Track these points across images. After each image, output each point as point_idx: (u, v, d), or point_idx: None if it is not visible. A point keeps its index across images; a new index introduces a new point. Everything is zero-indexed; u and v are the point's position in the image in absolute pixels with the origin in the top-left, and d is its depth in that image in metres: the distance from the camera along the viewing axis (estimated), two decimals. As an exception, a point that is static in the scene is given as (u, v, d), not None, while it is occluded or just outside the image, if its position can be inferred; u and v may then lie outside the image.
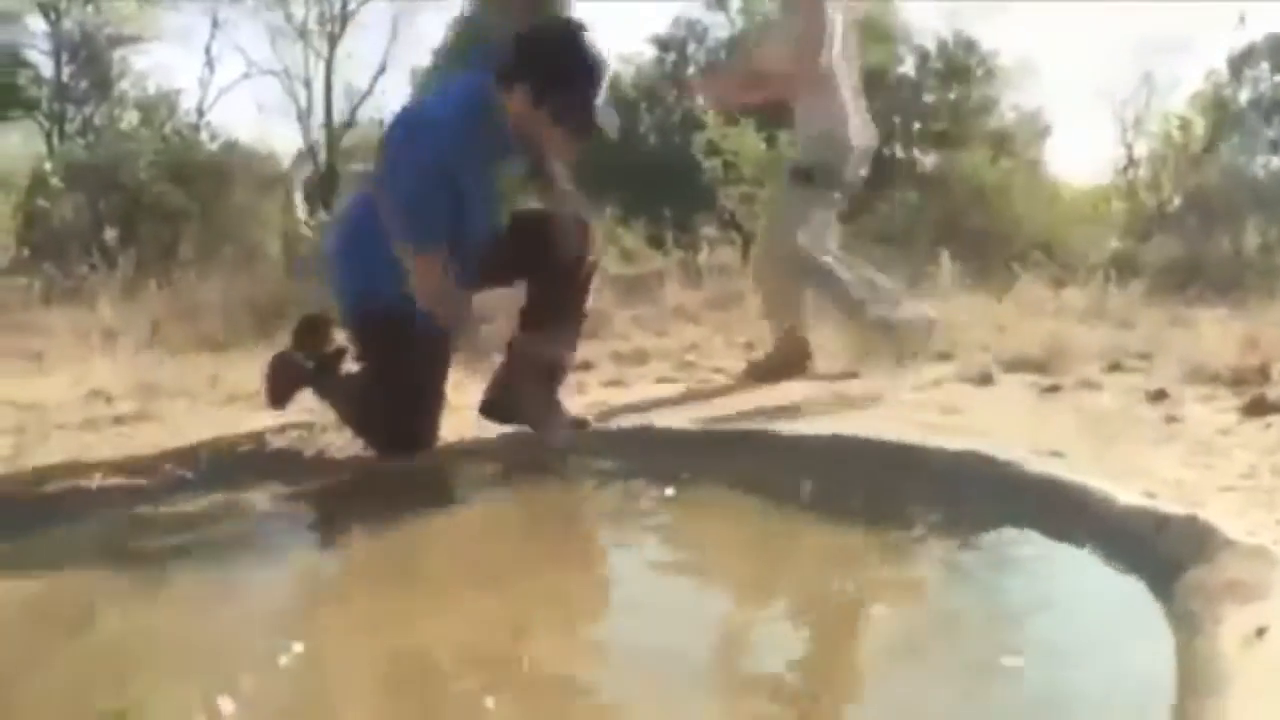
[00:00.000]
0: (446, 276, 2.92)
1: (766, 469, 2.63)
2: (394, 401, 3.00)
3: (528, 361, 3.15)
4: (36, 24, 22.81)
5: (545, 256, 3.10)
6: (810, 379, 4.35)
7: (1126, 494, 2.15)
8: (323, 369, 3.35)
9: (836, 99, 4.34)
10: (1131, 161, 24.35)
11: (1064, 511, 2.18)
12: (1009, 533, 2.21)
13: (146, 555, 2.27)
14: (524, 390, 3.13)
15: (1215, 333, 5.04)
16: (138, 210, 12.70)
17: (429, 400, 3.04)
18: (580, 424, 3.16)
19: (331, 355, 3.36)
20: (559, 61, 2.85)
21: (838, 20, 4.29)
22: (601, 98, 2.85)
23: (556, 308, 3.16)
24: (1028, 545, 2.16)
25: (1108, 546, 2.02)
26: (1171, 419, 3.39)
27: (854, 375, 4.33)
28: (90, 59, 22.85)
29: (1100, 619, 1.83)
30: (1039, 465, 2.44)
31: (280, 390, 3.40)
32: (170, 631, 1.85)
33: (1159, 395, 3.75)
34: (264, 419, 3.64)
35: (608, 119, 2.90)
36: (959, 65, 22.89)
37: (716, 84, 4.35)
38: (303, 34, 23.69)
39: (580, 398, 3.84)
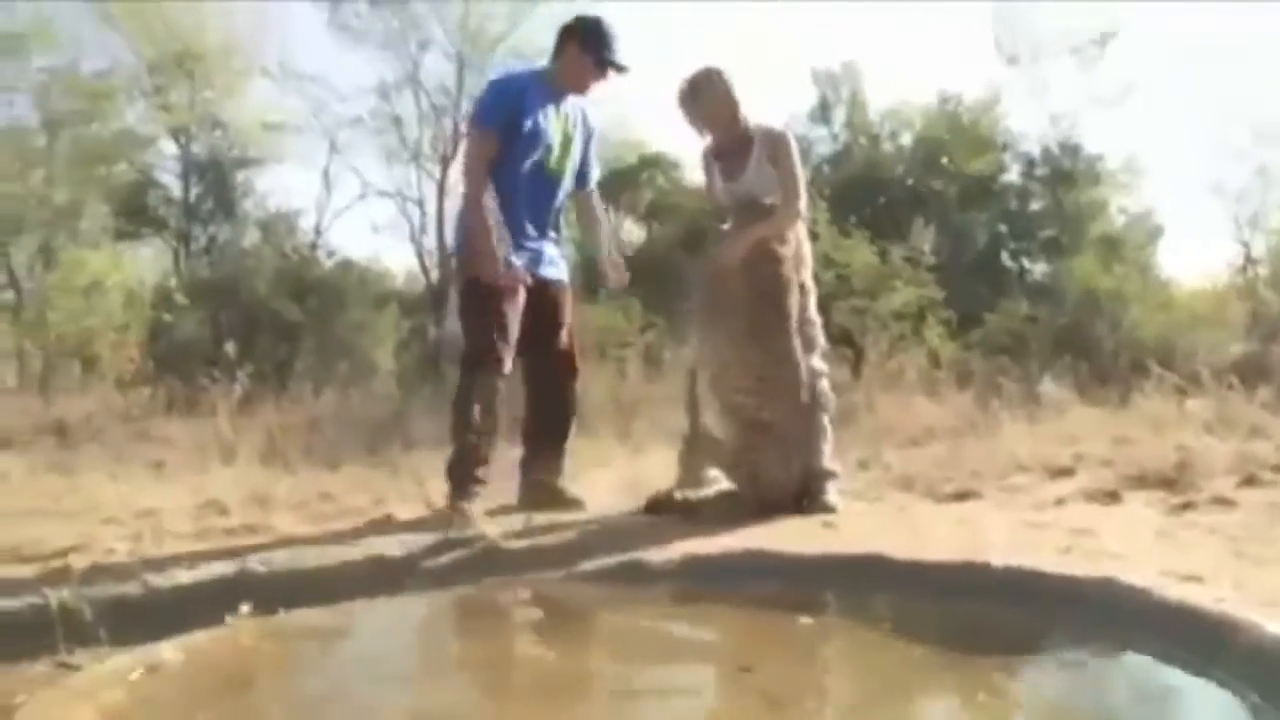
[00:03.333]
0: (488, 165, 4.07)
1: (891, 598, 2.53)
2: (474, 329, 4.14)
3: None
4: (167, 147, 23.96)
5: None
6: None
7: (1276, 623, 2.00)
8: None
9: None
10: (1250, 260, 23.67)
11: (1207, 643, 2.04)
12: (1149, 667, 2.07)
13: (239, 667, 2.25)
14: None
15: (1356, 440, 4.79)
16: (257, 325, 13.09)
17: (499, 325, 4.06)
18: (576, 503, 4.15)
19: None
20: (589, 25, 4.19)
21: None
22: (614, 53, 4.15)
23: (550, 432, 4.31)
24: (1170, 680, 2.02)
25: (1258, 681, 1.88)
26: (1319, 538, 3.19)
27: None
28: (216, 180, 23.83)
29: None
30: (1177, 593, 2.30)
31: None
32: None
33: (1304, 511, 3.55)
34: (376, 537, 3.67)
35: (622, 64, 4.18)
36: (1065, 170, 22.63)
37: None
38: (416, 156, 24.40)
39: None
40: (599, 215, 4.59)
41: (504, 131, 4.08)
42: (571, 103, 4.27)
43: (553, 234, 4.32)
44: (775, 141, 4.20)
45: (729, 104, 4.17)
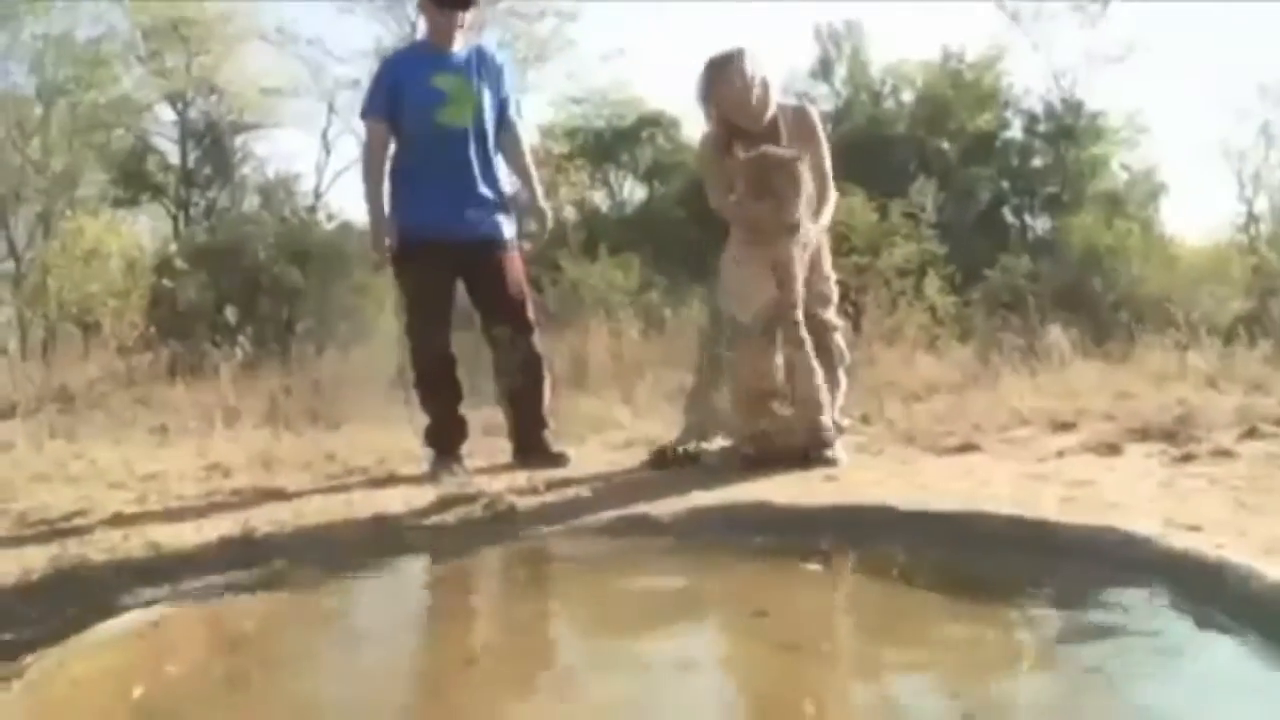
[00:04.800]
0: (379, 153, 4.27)
1: (898, 547, 2.53)
2: (406, 301, 4.42)
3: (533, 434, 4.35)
4: (164, 113, 23.91)
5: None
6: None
7: (1276, 570, 2.01)
8: None
9: None
10: (1252, 217, 23.62)
11: (1207, 590, 2.05)
12: (1150, 612, 2.08)
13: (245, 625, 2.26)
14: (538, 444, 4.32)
15: (1357, 393, 4.79)
16: (257, 289, 13.07)
17: (423, 295, 4.26)
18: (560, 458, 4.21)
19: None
20: None
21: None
22: None
23: (520, 389, 4.31)
24: (1171, 625, 2.03)
25: (1258, 629, 1.89)
26: (1318, 488, 3.19)
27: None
28: (214, 146, 23.81)
29: (1252, 706, 1.70)
30: (1178, 541, 2.31)
31: None
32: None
33: (1305, 463, 3.55)
34: (379, 495, 3.68)
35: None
36: (1067, 127, 22.54)
37: None
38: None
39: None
40: (520, 161, 4.47)
41: (389, 112, 4.23)
42: (462, 56, 4.28)
43: (485, 191, 4.27)
44: (801, 120, 4.07)
45: (766, 90, 3.97)
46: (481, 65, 4.31)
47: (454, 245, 4.18)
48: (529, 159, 4.53)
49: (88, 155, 21.32)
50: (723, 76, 3.95)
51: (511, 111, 4.43)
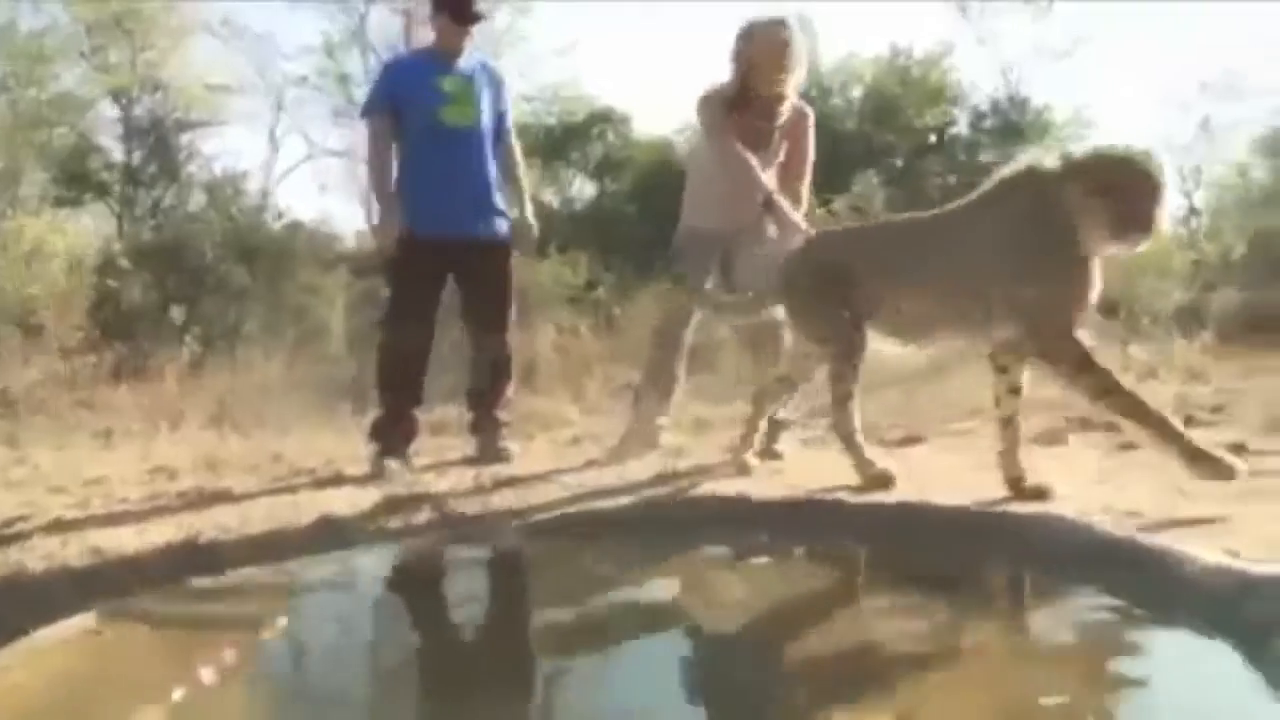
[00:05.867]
0: (385, 146, 4.29)
1: (840, 537, 2.56)
2: (391, 292, 4.39)
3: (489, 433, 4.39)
4: (108, 110, 23.49)
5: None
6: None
7: (1209, 554, 2.05)
8: None
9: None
10: (1193, 211, 23.94)
11: (1143, 574, 2.09)
12: (1085, 598, 2.12)
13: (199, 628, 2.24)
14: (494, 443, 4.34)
15: (1290, 382, 4.88)
16: (203, 290, 12.92)
17: (410, 288, 4.27)
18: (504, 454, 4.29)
19: None
20: None
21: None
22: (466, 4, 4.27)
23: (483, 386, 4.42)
24: (1111, 610, 2.06)
25: (1194, 612, 1.93)
26: (1254, 473, 3.25)
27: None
28: (159, 143, 23.43)
29: (1184, 686, 1.73)
30: (1116, 527, 2.35)
31: None
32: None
33: (1238, 449, 3.61)
34: (325, 496, 3.66)
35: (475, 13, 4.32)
36: (1013, 123, 22.74)
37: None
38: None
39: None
40: (513, 172, 4.52)
41: (391, 110, 4.29)
42: (465, 63, 4.35)
43: (486, 192, 4.34)
44: (798, 120, 4.17)
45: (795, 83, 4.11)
46: (484, 76, 4.41)
47: (452, 244, 4.24)
48: (521, 172, 4.57)
49: (28, 154, 20.93)
50: (773, 36, 3.95)
51: (509, 124, 4.52)
